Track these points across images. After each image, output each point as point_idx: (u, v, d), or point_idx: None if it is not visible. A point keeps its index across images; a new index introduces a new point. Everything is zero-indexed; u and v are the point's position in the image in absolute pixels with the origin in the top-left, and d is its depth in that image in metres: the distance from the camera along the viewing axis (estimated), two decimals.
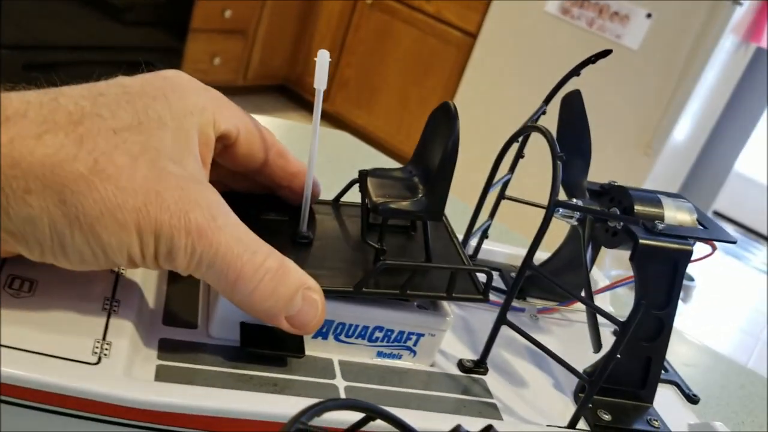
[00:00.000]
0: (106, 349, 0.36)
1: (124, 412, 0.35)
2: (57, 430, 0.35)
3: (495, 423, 0.42)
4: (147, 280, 0.44)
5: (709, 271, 3.44)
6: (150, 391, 0.35)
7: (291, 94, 3.65)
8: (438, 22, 3.00)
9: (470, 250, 0.60)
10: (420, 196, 0.44)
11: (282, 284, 0.38)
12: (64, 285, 0.39)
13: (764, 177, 4.20)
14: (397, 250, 0.46)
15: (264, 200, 0.49)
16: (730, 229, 4.18)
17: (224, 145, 0.43)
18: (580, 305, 0.59)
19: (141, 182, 0.34)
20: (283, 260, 0.39)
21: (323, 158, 0.83)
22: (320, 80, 0.41)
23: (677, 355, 0.68)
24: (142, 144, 0.35)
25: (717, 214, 4.32)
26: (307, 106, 3.58)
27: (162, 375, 0.38)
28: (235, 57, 3.30)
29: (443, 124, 0.43)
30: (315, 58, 0.41)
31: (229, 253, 0.36)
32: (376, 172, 0.46)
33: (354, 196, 0.48)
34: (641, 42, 2.34)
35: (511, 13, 2.68)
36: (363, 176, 0.45)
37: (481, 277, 0.46)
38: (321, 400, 0.27)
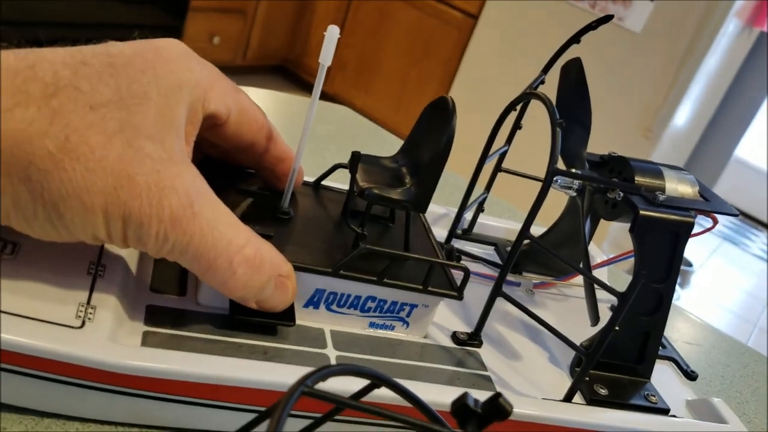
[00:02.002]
0: (90, 313, 0.35)
1: (108, 377, 0.34)
2: (40, 393, 0.34)
3: (487, 395, 0.42)
4: None
5: (707, 256, 3.43)
6: (134, 356, 0.34)
7: (289, 74, 3.63)
8: (439, 3, 2.97)
9: (465, 224, 0.59)
10: (408, 186, 0.43)
11: (256, 274, 0.37)
12: (49, 248, 0.38)
13: (764, 163, 4.19)
14: (376, 238, 0.46)
15: (252, 174, 0.48)
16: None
17: (213, 123, 0.41)
18: (576, 281, 0.58)
19: (113, 163, 0.32)
20: (259, 248, 0.37)
21: (323, 131, 0.82)
22: (326, 56, 0.39)
23: (679, 332, 0.68)
24: (120, 121, 0.33)
25: None
26: (305, 87, 3.55)
27: (148, 341, 0.37)
28: (234, 37, 3.27)
29: (439, 118, 0.42)
30: (324, 33, 0.39)
31: (203, 243, 0.35)
32: (366, 158, 0.45)
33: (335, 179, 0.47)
34: (644, 25, 2.32)
35: None
36: (356, 158, 0.43)
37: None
38: (326, 365, 0.26)
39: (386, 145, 0.86)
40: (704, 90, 2.53)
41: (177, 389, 0.35)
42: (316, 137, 0.79)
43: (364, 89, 3.30)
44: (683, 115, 2.47)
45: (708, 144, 3.03)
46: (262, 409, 0.30)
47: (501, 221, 0.62)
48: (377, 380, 0.30)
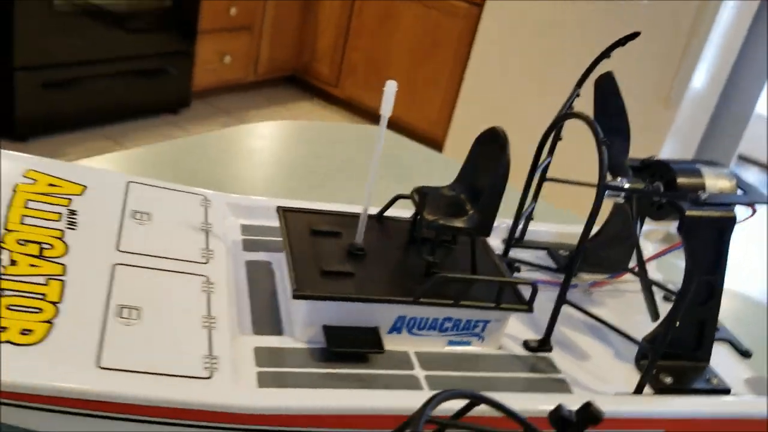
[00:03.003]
0: (215, 363, 0.40)
1: (242, 418, 0.38)
2: None
3: (566, 397, 0.46)
4: (231, 293, 0.47)
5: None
6: (262, 397, 0.39)
7: (301, 83, 3.68)
8: None
9: (516, 233, 0.63)
10: (470, 213, 0.47)
11: None
12: (165, 307, 0.43)
13: None
14: (444, 261, 0.50)
15: (318, 213, 0.52)
16: (756, 171, 4.17)
17: None
18: (628, 276, 0.62)
19: None
20: None
21: (364, 157, 0.86)
22: (386, 108, 0.44)
23: (726, 309, 0.71)
24: None
25: (741, 157, 4.30)
26: (317, 93, 3.60)
27: (263, 381, 0.42)
28: (245, 53, 3.33)
29: (492, 148, 0.47)
30: (383, 88, 0.43)
31: None
32: (425, 191, 0.49)
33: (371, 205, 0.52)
34: None
35: None
36: (422, 195, 0.48)
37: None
38: (439, 392, 0.31)
39: (420, 156, 0.90)
40: (718, 51, 2.54)
41: (297, 422, 0.40)
42: (352, 163, 0.83)
43: (375, 89, 3.32)
44: (700, 78, 2.48)
45: (727, 104, 3.03)
46: None
47: (550, 226, 0.66)
48: (479, 400, 0.35)
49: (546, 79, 2.63)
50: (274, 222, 0.58)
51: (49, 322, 0.39)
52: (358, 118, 3.47)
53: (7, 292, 0.40)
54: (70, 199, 0.51)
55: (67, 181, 0.53)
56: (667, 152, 2.48)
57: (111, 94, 2.76)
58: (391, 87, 0.43)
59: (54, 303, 0.41)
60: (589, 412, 0.33)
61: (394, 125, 0.94)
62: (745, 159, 4.28)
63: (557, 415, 0.33)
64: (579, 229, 0.55)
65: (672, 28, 2.29)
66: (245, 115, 3.28)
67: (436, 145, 3.00)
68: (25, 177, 0.51)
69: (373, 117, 3.47)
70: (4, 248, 0.44)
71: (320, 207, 0.54)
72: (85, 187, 0.52)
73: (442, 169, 0.88)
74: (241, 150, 0.79)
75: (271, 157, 0.80)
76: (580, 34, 2.51)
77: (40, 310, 0.40)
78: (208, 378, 0.39)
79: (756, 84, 3.02)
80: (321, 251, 0.48)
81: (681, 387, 0.49)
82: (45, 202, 0.49)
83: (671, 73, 2.32)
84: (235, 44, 3.25)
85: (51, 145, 2.53)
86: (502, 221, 0.63)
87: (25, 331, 0.38)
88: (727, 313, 0.70)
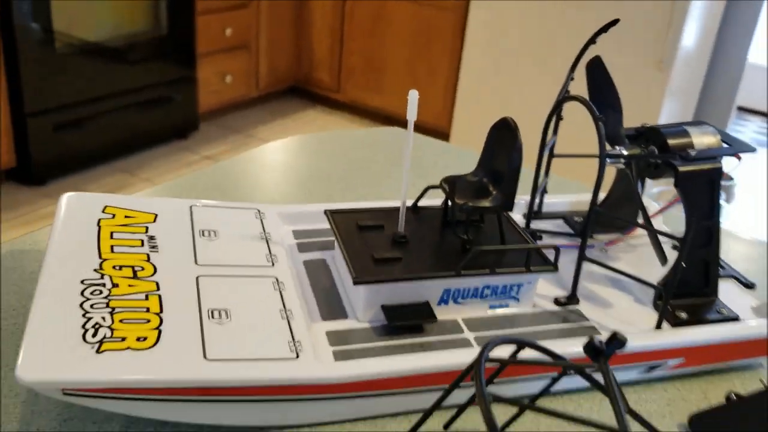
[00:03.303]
0: (299, 346, 0.48)
1: (327, 388, 0.46)
2: (278, 412, 0.47)
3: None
4: (299, 289, 0.55)
5: (744, 166, 3.48)
6: (342, 370, 0.46)
7: (303, 92, 3.76)
8: None
9: (535, 206, 0.71)
10: (494, 194, 0.55)
11: None
12: (249, 305, 0.51)
13: None
14: (476, 238, 0.57)
15: (360, 211, 0.60)
16: (757, 120, 4.20)
17: None
18: (638, 231, 0.70)
19: None
20: None
21: (382, 157, 0.94)
22: (411, 114, 0.51)
23: (736, 253, 0.78)
24: None
25: (741, 108, 4.34)
26: (320, 100, 3.69)
27: (338, 357, 0.50)
28: (245, 71, 3.41)
29: (505, 135, 0.54)
30: (407, 97, 0.51)
31: None
32: (452, 179, 0.57)
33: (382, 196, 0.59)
34: None
35: None
36: (451, 184, 0.56)
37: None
38: (493, 338, 0.38)
39: (431, 147, 0.98)
40: (705, 9, 2.60)
41: (373, 386, 0.48)
42: (374, 164, 0.91)
43: (376, 90, 3.41)
44: (690, 38, 2.53)
45: (720, 59, 3.08)
46: (443, 387, 0.42)
47: (564, 196, 0.73)
48: (525, 344, 0.42)
49: (539, 60, 2.70)
50: (321, 225, 0.65)
51: (157, 329, 0.47)
52: (362, 119, 3.55)
53: (117, 309, 0.48)
54: (146, 227, 0.59)
55: (140, 211, 0.60)
56: (665, 113, 2.54)
57: (121, 128, 2.85)
58: (413, 95, 0.51)
59: (157, 314, 0.49)
60: (615, 340, 0.40)
61: (401, 123, 1.01)
62: (745, 110, 4.32)
63: (590, 345, 0.41)
64: (589, 197, 0.63)
65: None
66: (253, 130, 3.37)
67: (443, 135, 3.07)
68: (104, 213, 0.59)
69: (377, 116, 3.55)
70: (105, 274, 0.51)
71: (361, 206, 0.62)
72: (156, 215, 0.60)
73: (454, 158, 0.95)
74: (265, 167, 0.87)
75: (296, 171, 0.87)
76: (568, 13, 2.57)
77: (148, 320, 0.48)
78: (296, 358, 0.47)
79: (746, 35, 3.07)
80: (369, 243, 0.56)
81: (695, 320, 0.57)
82: (127, 232, 0.57)
83: (662, 38, 2.38)
84: (234, 63, 3.34)
85: (69, 185, 2.62)
86: (521, 198, 0.70)
87: (140, 339, 0.46)
88: (737, 256, 0.77)
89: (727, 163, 0.58)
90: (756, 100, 4.31)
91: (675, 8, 2.35)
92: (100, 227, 0.57)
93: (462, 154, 0.97)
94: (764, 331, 0.55)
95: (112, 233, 0.57)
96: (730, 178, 3.17)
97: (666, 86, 2.46)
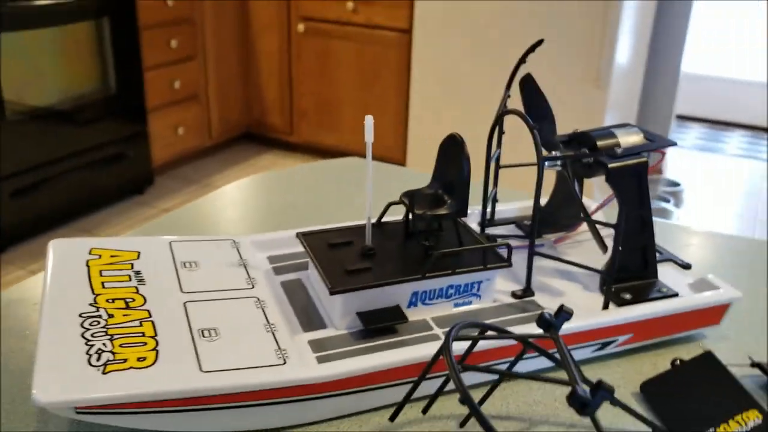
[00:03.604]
0: (285, 353, 0.53)
1: (313, 388, 0.51)
2: (269, 415, 0.52)
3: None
4: (279, 306, 0.60)
5: (691, 171, 3.63)
6: (328, 370, 0.51)
7: (256, 138, 3.82)
8: (371, 29, 3.17)
9: (487, 215, 0.77)
10: (449, 202, 0.61)
11: None
12: (235, 323, 0.55)
13: (711, 70, 4.41)
14: (436, 245, 0.63)
15: (329, 231, 0.66)
16: (697, 127, 4.39)
17: None
18: (581, 229, 0.76)
19: None
20: None
21: (339, 184, 1.00)
22: (369, 137, 0.57)
23: (690, 246, 0.85)
24: None
25: (681, 117, 4.53)
26: (274, 144, 3.75)
27: (322, 360, 0.54)
28: (197, 122, 3.46)
29: (454, 150, 0.60)
30: (364, 122, 0.57)
31: None
32: (410, 193, 0.62)
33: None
34: None
35: None
36: (410, 197, 0.61)
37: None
38: (459, 322, 0.43)
39: (386, 174, 1.04)
40: (635, 23, 2.74)
41: (355, 383, 0.53)
42: (332, 191, 0.97)
43: (330, 129, 3.48)
44: (624, 54, 2.67)
45: (655, 73, 3.23)
46: (413, 379, 0.48)
47: (512, 204, 0.80)
48: (487, 327, 0.48)
49: (484, 84, 2.80)
50: (293, 249, 0.71)
51: (154, 350, 0.52)
52: (318, 158, 3.61)
53: (116, 336, 0.52)
54: (131, 263, 0.63)
55: (124, 250, 0.65)
56: None
57: (77, 189, 2.87)
58: (369, 120, 0.57)
59: (152, 337, 0.53)
60: (563, 312, 0.46)
61: (357, 155, 1.06)
62: (684, 118, 4.51)
63: (542, 318, 0.46)
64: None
65: (589, 8, 2.47)
66: (209, 179, 3.40)
67: (399, 165, 3.15)
68: (90, 254, 0.64)
69: (333, 155, 3.62)
70: (100, 307, 0.56)
71: (329, 227, 0.67)
72: (139, 252, 0.65)
73: (411, 179, 1.01)
74: (228, 208, 0.92)
75: (260, 207, 0.93)
76: (506, 39, 2.69)
77: (145, 343, 0.52)
78: (284, 364, 0.52)
79: (677, 45, 3.23)
80: (341, 257, 0.61)
81: (638, 299, 0.63)
82: (114, 269, 0.62)
83: (596, 56, 2.51)
84: (185, 115, 3.38)
85: (30, 250, 2.62)
86: (474, 208, 0.76)
87: (140, 359, 0.50)
88: (691, 248, 0.84)
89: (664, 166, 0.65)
90: (694, 107, 4.50)
91: (607, 27, 2.48)
92: (89, 267, 0.61)
93: (417, 175, 1.03)
94: (702, 304, 0.62)
95: (101, 271, 0.61)
96: (677, 184, 3.31)
97: (606, 102, 2.58)
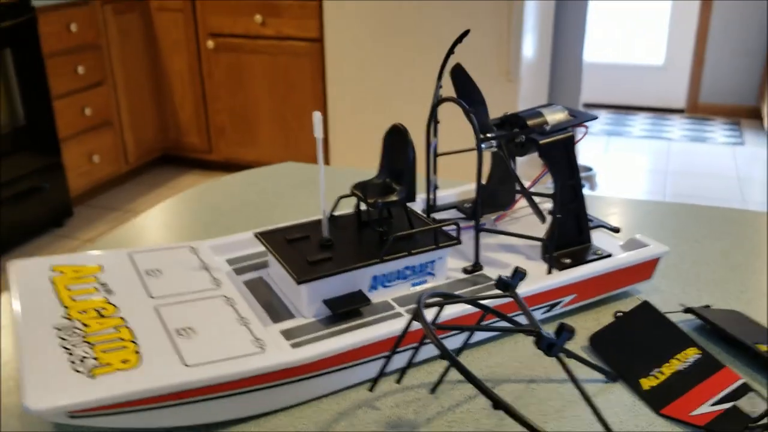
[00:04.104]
0: (262, 342, 0.55)
1: (292, 372, 0.54)
2: (251, 403, 0.54)
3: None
4: (247, 301, 0.62)
5: (601, 157, 3.80)
6: (306, 352, 0.54)
7: (175, 159, 3.78)
8: (281, 41, 3.19)
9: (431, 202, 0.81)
10: (398, 189, 0.65)
11: None
12: (209, 320, 0.58)
13: (612, 57, 4.63)
14: (389, 231, 0.67)
15: (285, 228, 0.68)
16: (603, 113, 4.60)
17: None
18: (517, 206, 0.82)
19: None
20: None
21: (278, 189, 1.02)
22: (318, 132, 0.60)
23: (613, 214, 0.92)
24: None
25: (588, 105, 4.73)
26: (193, 164, 3.71)
27: (296, 346, 0.57)
28: (111, 148, 3.40)
29: (399, 139, 0.64)
30: (313, 117, 0.60)
31: None
32: (361, 185, 0.66)
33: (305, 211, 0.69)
34: None
35: (345, 2, 2.90)
36: (361, 187, 0.65)
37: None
38: (425, 291, 0.47)
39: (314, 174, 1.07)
40: (538, 20, 2.86)
41: (331, 362, 0.56)
42: (272, 194, 0.99)
43: (250, 144, 3.48)
44: (529, 48, 2.78)
45: (561, 61, 3.37)
46: (384, 354, 0.51)
47: (450, 190, 0.84)
48: (449, 296, 0.52)
49: (401, 82, 2.87)
50: (250, 250, 0.73)
51: (137, 352, 0.53)
52: None
53: (95, 343, 0.54)
54: (95, 276, 0.64)
55: (85, 265, 0.66)
56: None
57: None
58: (317, 116, 0.60)
59: (131, 341, 0.55)
60: (518, 272, 0.51)
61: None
62: (590, 105, 4.71)
63: (500, 281, 0.51)
64: (471, 186, 0.74)
65: (494, 17, 2.57)
66: (130, 205, 3.35)
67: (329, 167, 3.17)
68: (53, 271, 0.64)
69: (256, 167, 3.61)
70: (73, 319, 0.57)
71: (284, 225, 0.70)
72: (101, 266, 0.66)
73: (349, 176, 1.05)
74: (167, 226, 0.94)
75: (202, 217, 0.94)
76: (413, 37, 2.76)
77: (125, 347, 0.54)
78: (263, 352, 0.54)
79: (578, 37, 3.38)
80: (300, 251, 0.64)
81: (576, 262, 0.68)
82: (80, 283, 0.63)
83: (505, 52, 2.61)
84: (99, 142, 3.32)
85: None
86: (418, 196, 0.81)
87: (124, 361, 0.52)
88: (615, 216, 0.90)
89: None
90: (599, 95, 4.71)
91: (512, 26, 2.59)
92: (53, 283, 0.62)
93: (351, 172, 1.07)
94: (635, 260, 0.68)
95: (66, 286, 0.62)
96: (590, 169, 3.46)
97: (518, 94, 2.69)
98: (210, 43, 3.34)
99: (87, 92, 3.21)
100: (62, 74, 3.03)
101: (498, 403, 0.40)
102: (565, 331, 0.43)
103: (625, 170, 3.63)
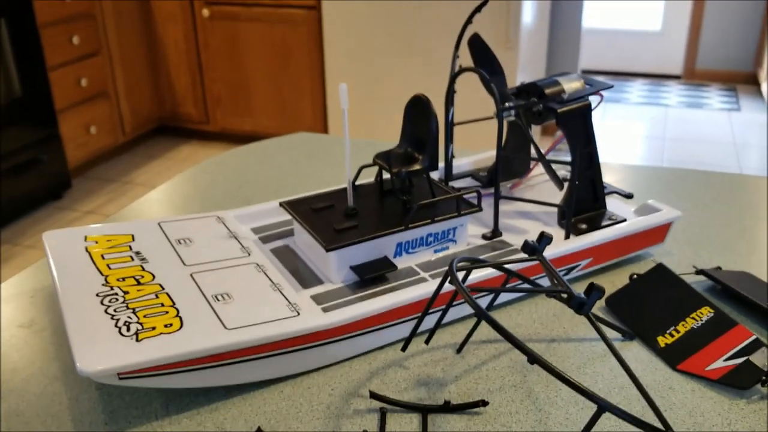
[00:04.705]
0: (297, 307, 0.58)
1: (324, 334, 0.56)
2: (287, 364, 0.57)
3: (521, 255, 0.66)
4: (273, 267, 0.65)
5: (599, 124, 3.81)
6: (338, 316, 0.57)
7: (172, 130, 3.77)
8: (278, 8, 3.17)
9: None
10: (420, 158, 0.67)
11: None
12: (243, 286, 0.60)
13: (609, 23, 4.62)
14: (412, 199, 0.69)
15: (309, 198, 0.70)
16: (601, 79, 4.60)
17: None
18: (533, 174, 0.84)
19: None
20: None
21: (296, 159, 1.04)
22: (344, 102, 0.61)
23: (624, 180, 0.94)
24: None
25: (586, 71, 4.73)
26: (191, 135, 3.71)
27: (327, 310, 0.60)
28: (108, 119, 3.39)
29: (420, 109, 0.66)
30: (338, 88, 0.61)
31: None
32: (383, 154, 0.68)
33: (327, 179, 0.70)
34: None
35: None
36: (383, 157, 0.67)
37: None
38: (457, 257, 0.50)
39: (334, 144, 1.09)
40: None
41: (363, 324, 0.58)
42: (291, 164, 1.01)
43: (246, 114, 3.48)
44: (528, 16, 2.78)
45: (559, 28, 3.37)
46: (416, 316, 0.54)
47: (465, 159, 0.86)
48: (478, 261, 0.54)
49: (399, 50, 2.87)
50: (274, 219, 0.75)
51: (178, 316, 0.56)
52: (238, 145, 3.60)
53: (138, 309, 0.56)
54: (129, 245, 0.66)
55: (117, 234, 0.68)
56: None
57: None
58: (343, 87, 0.62)
59: (171, 306, 0.57)
60: (544, 237, 0.53)
61: (275, 136, 1.09)
62: (589, 72, 4.71)
63: (527, 245, 0.53)
64: (487, 156, 0.76)
65: None
66: (128, 176, 3.35)
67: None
68: (87, 241, 0.66)
69: (251, 140, 3.62)
70: (113, 286, 0.59)
71: (308, 195, 0.72)
72: (132, 234, 0.68)
73: (352, 147, 1.07)
74: (197, 189, 0.95)
75: (221, 186, 0.96)
76: (411, 5, 2.76)
77: (167, 312, 0.56)
78: (298, 315, 0.57)
79: (576, 4, 3.37)
80: (327, 219, 0.66)
81: (593, 228, 0.71)
82: (115, 252, 0.65)
83: (504, 21, 2.60)
84: (96, 113, 3.31)
85: None
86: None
87: (167, 325, 0.54)
88: (622, 183, 0.92)
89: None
90: (597, 61, 4.71)
91: None
92: (89, 252, 0.64)
93: (355, 142, 1.09)
94: (649, 225, 0.70)
95: (102, 255, 0.64)
96: None
97: (517, 63, 2.69)
98: (205, 12, 3.32)
99: (82, 63, 3.19)
100: (57, 45, 3.01)
101: (532, 357, 0.42)
102: (595, 291, 0.45)
103: (622, 137, 3.65)
